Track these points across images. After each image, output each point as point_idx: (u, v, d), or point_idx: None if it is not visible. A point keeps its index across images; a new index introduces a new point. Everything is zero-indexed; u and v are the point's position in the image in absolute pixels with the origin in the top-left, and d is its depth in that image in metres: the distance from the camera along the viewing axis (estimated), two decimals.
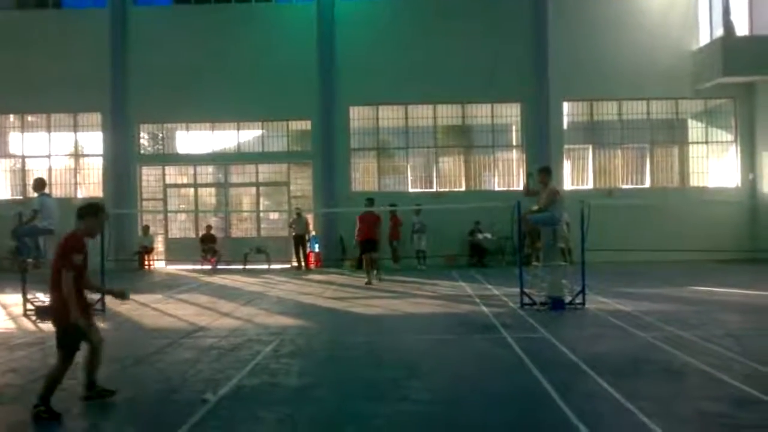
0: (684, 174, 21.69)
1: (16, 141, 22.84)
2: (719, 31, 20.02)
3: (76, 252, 5.66)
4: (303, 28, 21.27)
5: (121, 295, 6.25)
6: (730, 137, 21.47)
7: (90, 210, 5.88)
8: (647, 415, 5.23)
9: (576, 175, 21.59)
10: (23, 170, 22.37)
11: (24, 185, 22.00)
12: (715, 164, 21.56)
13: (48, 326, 10.12)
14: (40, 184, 11.96)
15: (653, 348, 7.84)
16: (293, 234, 20.42)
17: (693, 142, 21.72)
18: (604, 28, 21.00)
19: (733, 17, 19.77)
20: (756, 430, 5.02)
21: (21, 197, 21.30)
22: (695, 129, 21.86)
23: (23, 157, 22.55)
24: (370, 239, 15.57)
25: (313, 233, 21.36)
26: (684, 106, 21.57)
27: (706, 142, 21.62)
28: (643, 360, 7.23)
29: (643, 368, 6.89)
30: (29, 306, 11.28)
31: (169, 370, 7.25)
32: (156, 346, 8.56)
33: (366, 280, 15.35)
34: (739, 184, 21.14)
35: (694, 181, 21.49)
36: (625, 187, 21.32)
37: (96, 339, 5.91)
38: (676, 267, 17.86)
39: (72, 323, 5.52)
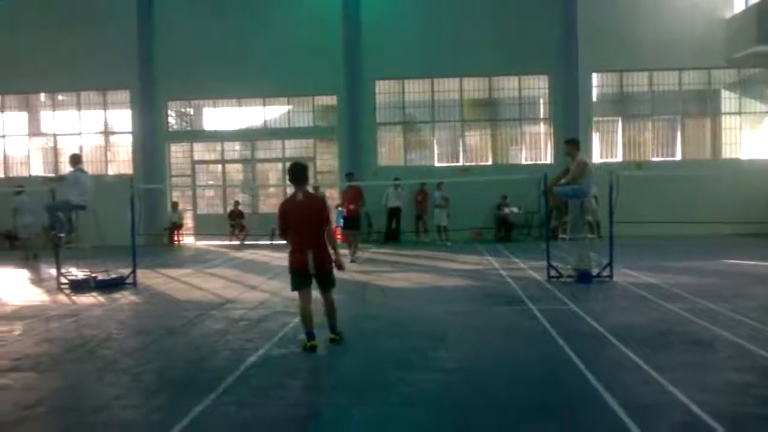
0: (716, 146, 21.21)
1: (48, 119, 23.21)
2: None
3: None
4: (328, 2, 21.14)
5: (340, 266, 7.01)
6: (764, 108, 20.91)
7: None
8: (673, 384, 5.21)
9: (605, 148, 21.27)
10: (55, 148, 22.76)
11: (56, 163, 22.42)
12: (748, 136, 21.05)
13: (81, 299, 10.41)
14: (75, 159, 12.16)
15: (681, 320, 7.78)
16: None
17: (726, 113, 21.17)
18: None
19: None
20: None
21: (53, 175, 21.69)
22: (728, 99, 21.29)
23: (54, 136, 22.92)
24: (351, 216, 15.11)
25: (340, 208, 21.44)
26: (717, 76, 21.02)
27: (740, 113, 21.07)
28: (671, 331, 7.17)
29: (670, 339, 6.84)
30: (63, 280, 11.56)
31: (199, 341, 7.41)
32: (186, 317, 8.73)
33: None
34: None
35: (727, 152, 21.00)
36: (655, 159, 20.95)
37: None
38: (707, 240, 17.59)
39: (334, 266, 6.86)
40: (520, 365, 6.14)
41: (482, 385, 5.56)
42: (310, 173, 22.42)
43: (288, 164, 22.33)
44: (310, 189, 20.22)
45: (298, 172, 6.74)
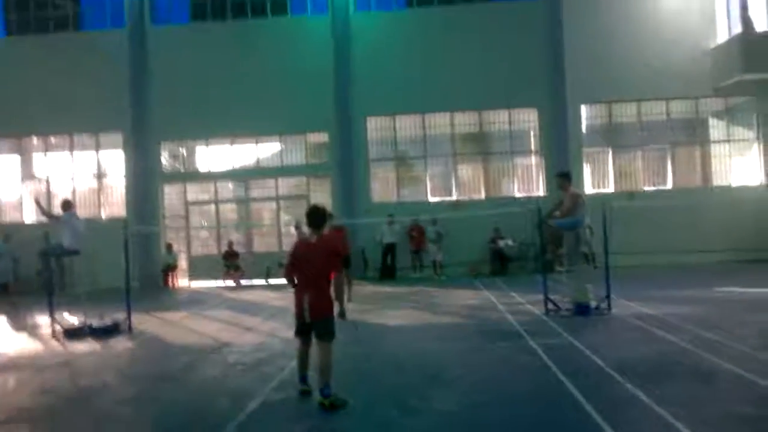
0: (706, 174, 21.40)
1: (40, 162, 23.19)
2: (737, 28, 19.81)
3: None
4: (318, 40, 21.39)
5: (342, 315, 6.61)
6: (751, 135, 21.17)
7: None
8: (675, 417, 5.18)
9: (596, 179, 21.42)
10: (48, 192, 22.69)
11: (49, 207, 22.30)
12: (737, 163, 21.27)
13: (75, 346, 10.29)
14: (67, 204, 12.12)
15: (681, 351, 7.75)
16: None
17: (714, 141, 21.42)
18: (620, 29, 20.85)
19: (751, 13, 19.54)
20: None
21: (46, 220, 21.62)
22: (716, 128, 21.57)
23: (47, 179, 22.89)
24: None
25: None
26: (704, 105, 21.31)
27: (728, 141, 21.32)
28: (671, 363, 7.15)
29: (670, 371, 6.81)
30: (57, 327, 11.43)
31: (197, 387, 7.32)
32: (182, 362, 8.64)
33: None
34: (764, 182, 20.82)
35: (717, 180, 21.20)
36: (646, 189, 21.10)
37: None
38: (702, 268, 17.62)
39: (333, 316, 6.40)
40: (519, 401, 6.09)
41: (483, 423, 5.50)
42: (304, 210, 22.36)
43: (281, 203, 22.02)
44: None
45: (311, 216, 6.59)
